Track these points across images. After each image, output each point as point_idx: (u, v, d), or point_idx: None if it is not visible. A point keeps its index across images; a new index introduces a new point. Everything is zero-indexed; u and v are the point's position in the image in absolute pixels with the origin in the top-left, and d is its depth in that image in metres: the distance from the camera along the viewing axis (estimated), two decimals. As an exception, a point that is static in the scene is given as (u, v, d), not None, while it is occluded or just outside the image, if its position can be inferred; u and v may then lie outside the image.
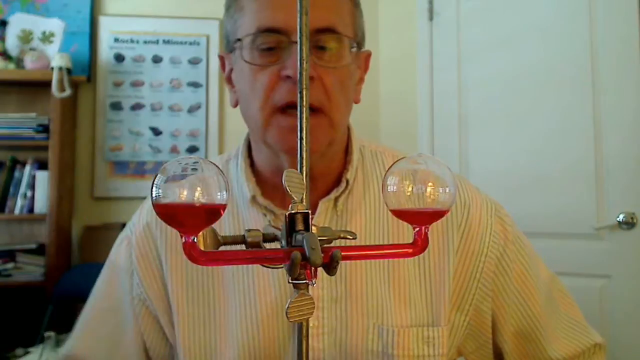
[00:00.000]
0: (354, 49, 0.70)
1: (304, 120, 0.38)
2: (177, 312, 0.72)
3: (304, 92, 0.38)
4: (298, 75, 0.38)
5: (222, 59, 0.77)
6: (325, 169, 0.72)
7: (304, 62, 0.38)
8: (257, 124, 0.69)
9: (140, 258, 0.74)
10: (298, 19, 0.38)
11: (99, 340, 0.76)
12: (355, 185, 0.74)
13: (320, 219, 0.71)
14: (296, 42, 0.63)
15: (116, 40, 2.57)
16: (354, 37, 0.70)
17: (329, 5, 0.67)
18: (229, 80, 0.76)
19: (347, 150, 0.75)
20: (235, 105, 0.75)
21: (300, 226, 0.36)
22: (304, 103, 0.38)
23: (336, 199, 0.72)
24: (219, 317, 0.72)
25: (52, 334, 1.52)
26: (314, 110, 0.65)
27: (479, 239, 0.73)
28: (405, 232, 0.72)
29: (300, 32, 0.38)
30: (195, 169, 0.33)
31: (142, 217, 0.77)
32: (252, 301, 0.70)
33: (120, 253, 0.76)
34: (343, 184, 0.72)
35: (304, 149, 0.38)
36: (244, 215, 0.73)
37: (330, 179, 0.73)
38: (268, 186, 0.73)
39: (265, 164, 0.74)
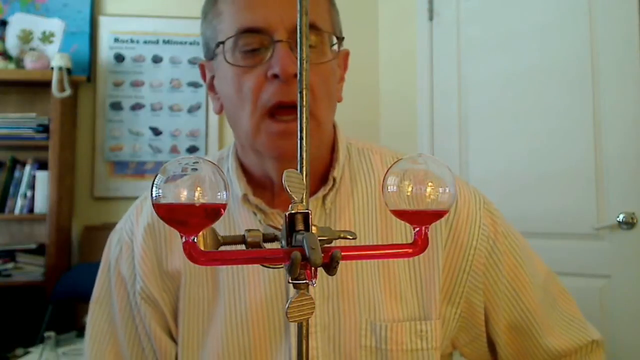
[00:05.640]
0: (335, 46, 0.70)
1: (304, 120, 0.38)
2: (181, 308, 0.72)
3: (304, 92, 0.38)
4: (298, 75, 0.38)
5: (202, 67, 0.77)
6: (311, 168, 0.72)
7: (304, 62, 0.38)
8: (246, 130, 0.69)
9: (142, 262, 0.73)
10: (298, 19, 0.38)
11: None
12: (342, 183, 0.74)
13: None
14: (279, 41, 0.64)
15: (116, 40, 2.57)
16: (333, 33, 0.71)
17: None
18: (211, 87, 0.76)
19: (333, 149, 0.75)
20: (219, 112, 0.75)
21: (300, 226, 0.36)
22: (304, 103, 0.38)
23: (324, 198, 0.72)
24: (211, 312, 0.72)
25: (52, 334, 1.51)
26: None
27: (467, 232, 0.73)
28: (395, 228, 0.73)
29: (300, 32, 0.38)
30: (195, 169, 0.33)
31: (142, 219, 0.76)
32: (242, 297, 0.71)
33: (122, 261, 0.75)
34: (330, 182, 0.72)
35: (304, 149, 0.38)
36: (235, 215, 0.73)
37: (316, 177, 0.73)
38: (256, 186, 0.74)
39: (252, 165, 0.74)
